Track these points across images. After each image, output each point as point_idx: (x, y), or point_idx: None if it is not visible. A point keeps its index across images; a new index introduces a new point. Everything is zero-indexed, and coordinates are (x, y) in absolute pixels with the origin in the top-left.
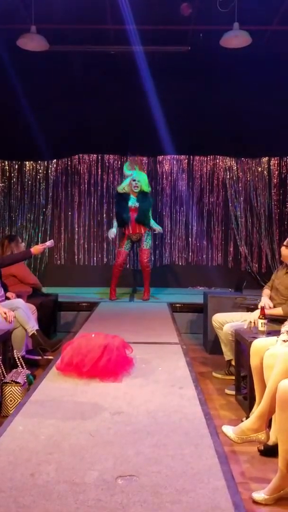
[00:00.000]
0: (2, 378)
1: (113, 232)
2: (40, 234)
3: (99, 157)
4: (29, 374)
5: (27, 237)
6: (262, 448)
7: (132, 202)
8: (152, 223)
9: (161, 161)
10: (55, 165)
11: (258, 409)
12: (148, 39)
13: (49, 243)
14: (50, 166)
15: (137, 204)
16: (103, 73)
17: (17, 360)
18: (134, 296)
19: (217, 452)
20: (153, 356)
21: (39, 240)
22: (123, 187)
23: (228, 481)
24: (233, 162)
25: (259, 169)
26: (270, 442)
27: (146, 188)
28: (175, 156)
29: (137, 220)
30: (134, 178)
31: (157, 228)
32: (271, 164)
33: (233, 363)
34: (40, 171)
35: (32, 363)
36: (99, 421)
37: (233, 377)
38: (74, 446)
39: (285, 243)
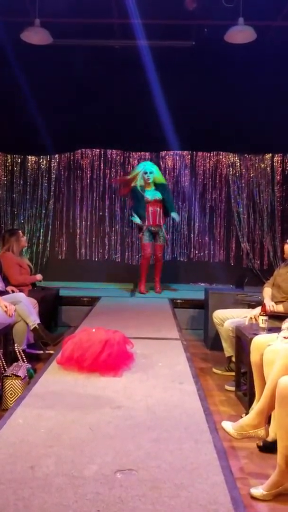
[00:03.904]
0: (3, 372)
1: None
2: (42, 228)
3: (102, 152)
4: (29, 368)
5: (28, 231)
6: (261, 444)
7: (149, 195)
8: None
9: (164, 156)
10: (57, 160)
11: (257, 405)
12: (152, 34)
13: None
14: (53, 160)
15: (157, 197)
16: (107, 68)
17: (18, 353)
18: (135, 291)
19: (216, 447)
20: (154, 352)
21: (41, 234)
22: (139, 184)
23: (226, 476)
24: (236, 158)
25: (262, 165)
26: (269, 438)
27: (161, 179)
28: (178, 151)
29: (169, 212)
30: (146, 170)
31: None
32: (274, 160)
33: (233, 359)
34: (43, 165)
35: (33, 357)
36: (99, 415)
37: (233, 373)
38: (73, 440)
39: None
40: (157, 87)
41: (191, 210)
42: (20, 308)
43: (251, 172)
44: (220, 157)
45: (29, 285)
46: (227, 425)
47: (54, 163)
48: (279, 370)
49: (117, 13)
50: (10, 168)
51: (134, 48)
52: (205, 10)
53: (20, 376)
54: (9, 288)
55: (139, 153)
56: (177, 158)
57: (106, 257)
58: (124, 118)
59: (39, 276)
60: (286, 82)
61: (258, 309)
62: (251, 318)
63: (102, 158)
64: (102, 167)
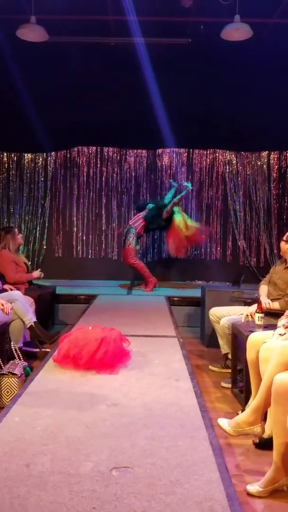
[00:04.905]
0: None
1: None
2: (38, 226)
3: (98, 150)
4: (26, 366)
5: (25, 229)
6: (257, 441)
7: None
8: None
9: (160, 154)
10: (54, 157)
11: (253, 402)
12: (148, 31)
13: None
14: (49, 158)
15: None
16: (103, 65)
17: (14, 351)
18: (132, 289)
19: (212, 444)
20: (150, 349)
21: (37, 232)
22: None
23: (222, 473)
24: (233, 156)
25: (259, 163)
26: (265, 435)
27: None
28: (174, 149)
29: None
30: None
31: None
32: (270, 158)
33: (229, 356)
34: (39, 163)
35: (29, 355)
36: (95, 413)
37: (230, 370)
38: (69, 438)
39: (284, 238)
40: (154, 84)
41: (187, 207)
42: (16, 306)
43: (247, 170)
44: (217, 154)
45: (26, 283)
46: (223, 422)
47: (50, 160)
48: (274, 367)
49: (113, 10)
50: (6, 165)
51: (131, 46)
52: (201, 7)
53: (16, 374)
54: (6, 286)
55: (135, 151)
56: (174, 155)
57: (103, 255)
58: (121, 115)
59: (35, 274)
60: (283, 79)
61: (254, 307)
62: (247, 315)
63: (98, 156)
64: (98, 164)
